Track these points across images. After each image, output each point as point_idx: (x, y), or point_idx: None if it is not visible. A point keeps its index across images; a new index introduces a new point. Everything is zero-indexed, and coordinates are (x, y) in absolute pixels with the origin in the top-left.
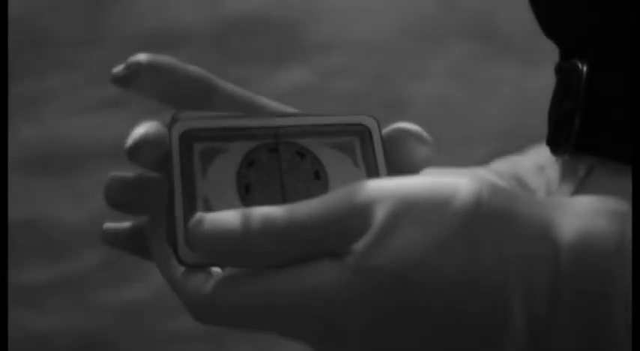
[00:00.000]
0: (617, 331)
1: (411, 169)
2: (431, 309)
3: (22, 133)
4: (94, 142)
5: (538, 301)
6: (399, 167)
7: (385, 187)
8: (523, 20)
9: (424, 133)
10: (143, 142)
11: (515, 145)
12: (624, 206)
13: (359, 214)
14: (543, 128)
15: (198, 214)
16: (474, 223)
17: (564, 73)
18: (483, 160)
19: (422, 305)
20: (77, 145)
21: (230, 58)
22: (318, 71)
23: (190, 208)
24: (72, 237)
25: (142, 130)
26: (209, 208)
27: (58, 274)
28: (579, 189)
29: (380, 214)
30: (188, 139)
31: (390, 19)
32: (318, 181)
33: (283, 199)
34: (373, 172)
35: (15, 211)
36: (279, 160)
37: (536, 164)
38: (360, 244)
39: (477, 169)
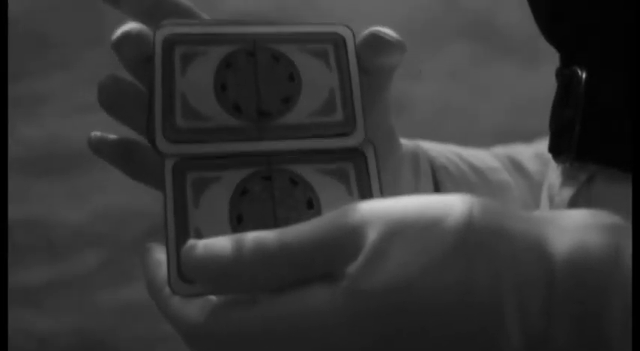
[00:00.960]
0: (611, 344)
1: (382, 72)
2: (427, 330)
3: (21, 133)
4: None
5: (533, 317)
6: (372, 69)
7: (376, 208)
8: (523, 21)
9: (396, 38)
10: (127, 37)
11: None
12: (617, 220)
13: (351, 237)
14: (543, 129)
15: (191, 241)
16: (466, 242)
17: (564, 79)
18: None
19: (417, 326)
20: (77, 146)
21: None
22: None
23: (183, 238)
24: (71, 237)
25: (127, 27)
26: (200, 238)
27: (57, 274)
28: (579, 195)
29: (372, 236)
30: (170, 43)
31: (389, 19)
32: (311, 210)
33: None
34: (365, 192)
35: (14, 210)
36: (272, 189)
37: (534, 151)
38: (352, 267)
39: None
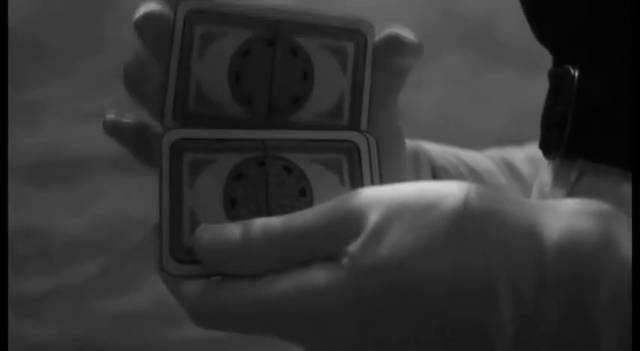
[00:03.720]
0: (601, 322)
1: (396, 73)
2: (422, 306)
3: (20, 142)
4: (93, 150)
5: (524, 302)
6: (387, 69)
7: (377, 193)
8: (522, 29)
9: (414, 40)
10: (149, 17)
11: None
12: (608, 207)
13: (353, 219)
14: None
15: (203, 225)
16: (461, 224)
17: (556, 77)
18: None
19: (413, 302)
20: (76, 154)
21: None
22: None
23: (176, 218)
24: (71, 246)
25: (149, 7)
26: (194, 219)
27: (57, 282)
28: (571, 192)
29: (373, 218)
30: (191, 20)
31: (387, 27)
32: (303, 198)
33: (268, 215)
34: (357, 185)
35: (13, 219)
36: (266, 175)
37: (527, 154)
38: (353, 246)
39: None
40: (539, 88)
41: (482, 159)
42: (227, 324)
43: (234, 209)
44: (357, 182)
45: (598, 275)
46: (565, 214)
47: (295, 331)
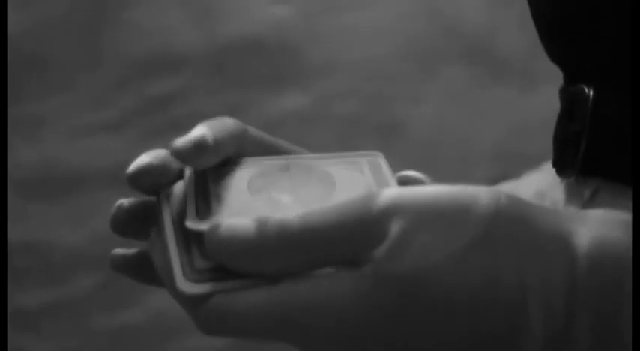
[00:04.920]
0: (627, 334)
1: None
2: (451, 317)
3: (20, 156)
4: (92, 165)
5: (556, 314)
6: None
7: (403, 195)
8: (521, 44)
9: (427, 180)
10: (145, 171)
11: (512, 168)
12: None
13: (376, 223)
14: (541, 152)
15: (215, 221)
16: (492, 232)
17: (570, 96)
18: (481, 184)
19: (442, 313)
20: (75, 168)
21: (227, 82)
22: (315, 95)
23: (186, 240)
24: (70, 260)
25: (142, 161)
26: (219, 200)
27: (56, 297)
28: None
29: (398, 223)
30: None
31: (388, 42)
32: (327, 196)
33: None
34: (382, 183)
35: (12, 233)
36: (289, 174)
37: (536, 190)
38: (378, 252)
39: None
40: (537, 104)
41: None
42: (236, 332)
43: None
44: (381, 182)
45: (625, 288)
46: (595, 222)
47: (314, 339)
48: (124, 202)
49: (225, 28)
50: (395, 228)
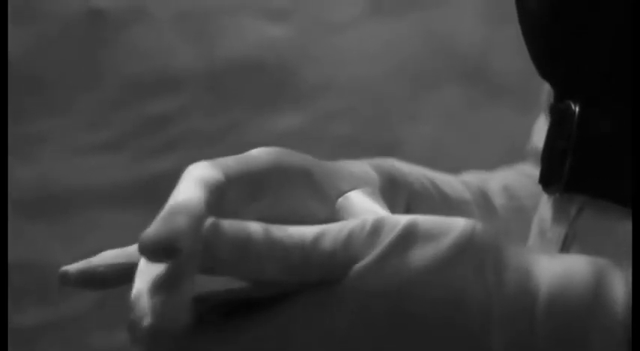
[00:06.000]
0: None
1: None
2: (425, 329)
3: (16, 175)
4: (89, 184)
5: (517, 345)
6: None
7: (394, 220)
8: (517, 64)
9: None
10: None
11: None
12: (602, 261)
13: (368, 241)
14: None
15: (213, 219)
16: (464, 256)
17: (558, 112)
18: None
19: (416, 325)
20: (72, 188)
21: (225, 102)
22: (311, 114)
23: None
24: None
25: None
26: None
27: (54, 316)
28: (570, 231)
29: (383, 241)
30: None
31: (384, 62)
32: None
33: None
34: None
35: (9, 252)
36: None
37: (503, 184)
38: (358, 267)
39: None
40: (533, 124)
41: (457, 186)
42: None
43: None
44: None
45: (587, 331)
46: (560, 266)
47: None
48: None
49: (223, 48)
50: (377, 248)
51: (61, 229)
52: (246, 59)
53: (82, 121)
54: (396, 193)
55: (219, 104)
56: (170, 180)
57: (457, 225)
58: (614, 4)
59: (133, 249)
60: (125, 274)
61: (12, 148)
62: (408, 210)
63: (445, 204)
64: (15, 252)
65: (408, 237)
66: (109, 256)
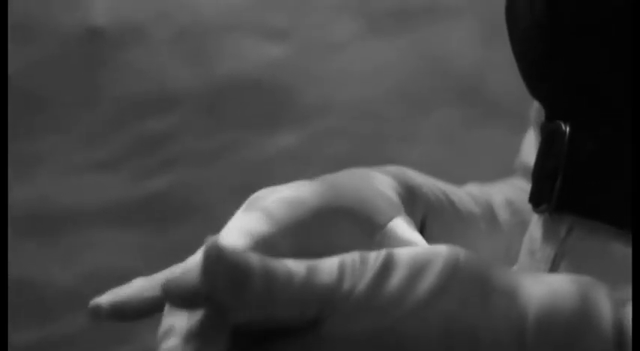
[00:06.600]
0: None
1: None
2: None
3: (13, 193)
4: (85, 203)
5: None
6: None
7: (394, 253)
8: (512, 85)
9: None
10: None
11: None
12: (588, 280)
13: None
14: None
15: (216, 240)
16: (449, 285)
17: (548, 133)
18: None
19: None
20: (68, 207)
21: (222, 121)
22: (307, 134)
23: None
24: (62, 297)
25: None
26: None
27: (47, 335)
28: (560, 251)
29: (367, 276)
30: None
31: (380, 82)
32: None
33: None
34: None
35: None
36: None
37: (506, 197)
38: (341, 308)
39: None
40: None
41: (466, 199)
42: None
43: None
44: None
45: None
46: (547, 290)
47: None
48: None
49: (220, 68)
50: (361, 284)
51: (57, 248)
52: (243, 79)
53: (79, 140)
54: (413, 206)
55: (216, 124)
56: (166, 199)
57: (440, 256)
58: (601, 27)
59: (162, 277)
60: (157, 304)
61: (9, 166)
62: (423, 223)
63: (457, 217)
64: (11, 270)
65: (389, 270)
66: (139, 286)
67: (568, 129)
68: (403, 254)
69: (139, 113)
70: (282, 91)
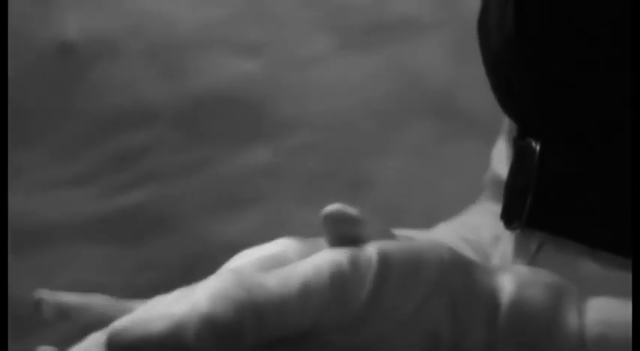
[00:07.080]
0: None
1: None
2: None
3: None
4: (59, 218)
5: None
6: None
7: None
8: (485, 100)
9: (357, 215)
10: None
11: None
12: (559, 279)
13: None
14: None
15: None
16: (443, 281)
17: (519, 149)
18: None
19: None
20: (42, 222)
21: (196, 137)
22: (282, 149)
23: None
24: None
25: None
26: None
27: (24, 349)
28: (531, 264)
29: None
30: None
31: (354, 97)
32: None
33: None
34: None
35: None
36: None
37: (494, 234)
38: (340, 323)
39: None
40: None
41: (464, 249)
42: None
43: None
44: None
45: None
46: (520, 282)
47: None
48: None
49: (194, 82)
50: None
51: (32, 263)
52: (218, 94)
53: (54, 155)
54: None
55: (191, 139)
56: (142, 214)
57: (428, 259)
58: (570, 44)
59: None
60: (99, 323)
61: None
62: None
63: None
64: None
65: (385, 276)
66: (95, 300)
67: (538, 147)
68: (394, 255)
69: (114, 128)
70: (257, 105)
